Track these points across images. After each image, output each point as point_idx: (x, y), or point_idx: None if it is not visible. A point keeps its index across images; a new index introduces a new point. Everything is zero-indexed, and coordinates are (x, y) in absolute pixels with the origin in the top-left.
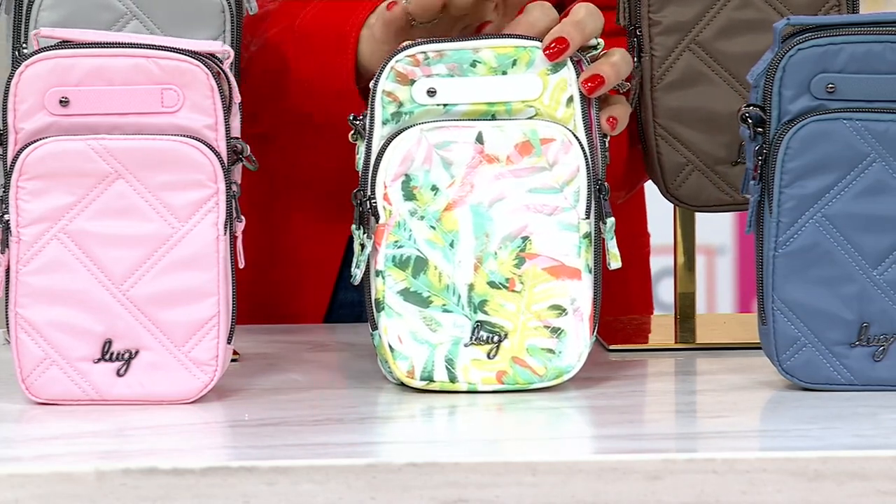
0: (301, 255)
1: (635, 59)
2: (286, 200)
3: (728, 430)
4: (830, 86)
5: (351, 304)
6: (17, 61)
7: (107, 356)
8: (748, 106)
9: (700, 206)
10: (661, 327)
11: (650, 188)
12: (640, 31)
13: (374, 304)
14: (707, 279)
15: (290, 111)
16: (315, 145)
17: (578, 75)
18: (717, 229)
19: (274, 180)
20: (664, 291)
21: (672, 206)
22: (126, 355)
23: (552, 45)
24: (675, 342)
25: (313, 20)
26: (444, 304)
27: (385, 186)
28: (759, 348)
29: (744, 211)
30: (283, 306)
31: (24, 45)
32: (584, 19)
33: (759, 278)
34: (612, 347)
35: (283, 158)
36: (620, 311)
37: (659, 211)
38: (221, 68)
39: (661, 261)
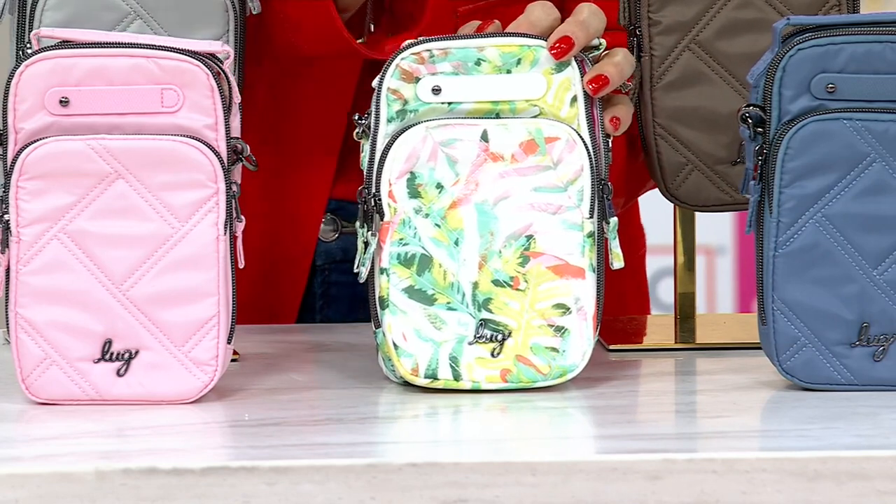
0: (271, 249)
1: (635, 58)
2: (256, 191)
3: (728, 430)
4: (830, 86)
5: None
6: (21, 62)
7: (107, 356)
8: (748, 106)
9: (700, 206)
10: (661, 327)
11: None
12: (639, 31)
13: (378, 302)
14: (707, 279)
15: (280, 46)
16: (295, 125)
17: (582, 75)
18: (717, 229)
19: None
20: (664, 291)
21: (672, 206)
22: (126, 355)
23: (557, 44)
24: (675, 342)
25: None
26: (448, 302)
27: (390, 184)
28: (759, 348)
29: (743, 211)
30: (257, 302)
31: (28, 45)
32: (588, 19)
33: (759, 278)
34: (612, 347)
35: (260, 141)
36: (615, 313)
37: (659, 211)
38: (221, 68)
39: (661, 261)
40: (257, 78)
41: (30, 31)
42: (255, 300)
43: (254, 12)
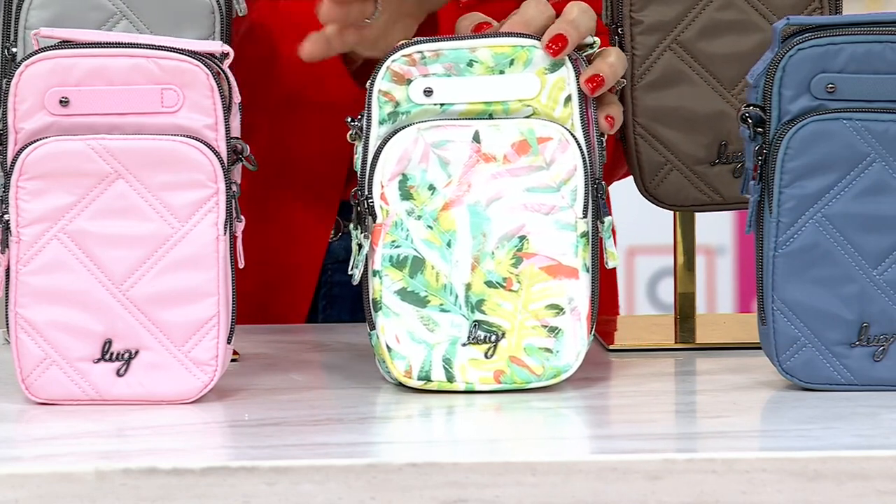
0: (282, 256)
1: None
2: (267, 201)
3: (728, 430)
4: (830, 86)
5: (341, 298)
6: (5, 60)
7: (107, 356)
8: (748, 106)
9: (678, 206)
10: (661, 327)
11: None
12: (621, 30)
13: (371, 304)
14: (707, 279)
15: (281, 93)
16: (304, 128)
17: (577, 74)
18: (717, 229)
19: (255, 179)
20: (664, 291)
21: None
22: (126, 355)
23: (550, 43)
24: (675, 342)
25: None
26: (441, 304)
27: (382, 186)
28: (759, 348)
29: (721, 211)
30: (265, 307)
31: (13, 44)
32: (578, 17)
33: (759, 278)
34: (611, 347)
35: (269, 149)
36: None
37: (659, 211)
38: (221, 68)
39: (661, 261)
40: (270, 80)
41: (16, 30)
42: (264, 303)
43: (240, 14)
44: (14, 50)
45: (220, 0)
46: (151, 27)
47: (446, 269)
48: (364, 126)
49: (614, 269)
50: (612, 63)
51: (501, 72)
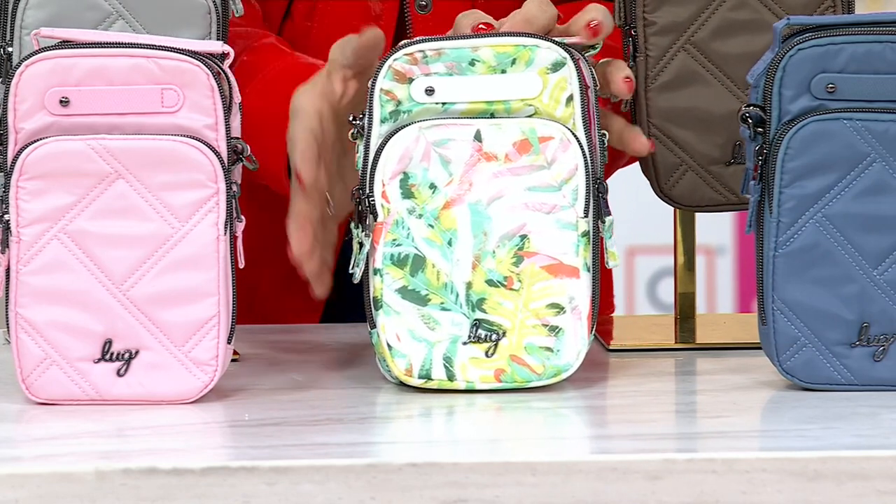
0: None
1: (630, 59)
2: (281, 201)
3: (728, 430)
4: (831, 86)
5: (352, 299)
6: (0, 60)
7: (107, 356)
8: (748, 106)
9: (694, 206)
10: (661, 327)
11: (645, 189)
12: (634, 31)
13: (372, 303)
14: (707, 279)
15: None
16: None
17: (579, 74)
18: (717, 229)
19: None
20: (664, 291)
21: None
22: (126, 355)
23: (589, 23)
24: (675, 342)
25: (257, 100)
26: (442, 303)
27: (383, 184)
28: (759, 348)
29: (737, 211)
30: (281, 306)
31: (9, 44)
32: (605, 12)
33: (759, 278)
34: (611, 347)
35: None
36: None
37: (659, 211)
38: (221, 68)
39: (661, 261)
40: None
41: (12, 30)
42: (280, 302)
43: (236, 15)
44: (10, 50)
45: (216, 0)
46: (147, 27)
47: (447, 267)
48: (365, 125)
49: (610, 270)
50: (597, 10)
51: (503, 71)
